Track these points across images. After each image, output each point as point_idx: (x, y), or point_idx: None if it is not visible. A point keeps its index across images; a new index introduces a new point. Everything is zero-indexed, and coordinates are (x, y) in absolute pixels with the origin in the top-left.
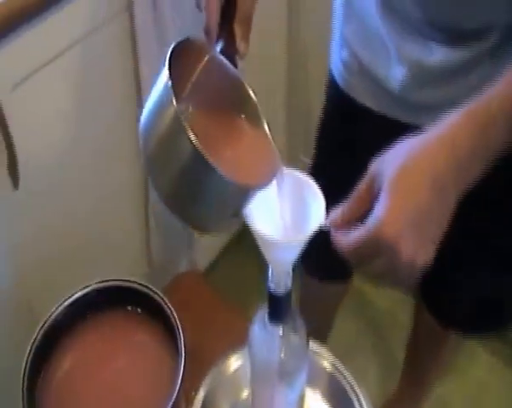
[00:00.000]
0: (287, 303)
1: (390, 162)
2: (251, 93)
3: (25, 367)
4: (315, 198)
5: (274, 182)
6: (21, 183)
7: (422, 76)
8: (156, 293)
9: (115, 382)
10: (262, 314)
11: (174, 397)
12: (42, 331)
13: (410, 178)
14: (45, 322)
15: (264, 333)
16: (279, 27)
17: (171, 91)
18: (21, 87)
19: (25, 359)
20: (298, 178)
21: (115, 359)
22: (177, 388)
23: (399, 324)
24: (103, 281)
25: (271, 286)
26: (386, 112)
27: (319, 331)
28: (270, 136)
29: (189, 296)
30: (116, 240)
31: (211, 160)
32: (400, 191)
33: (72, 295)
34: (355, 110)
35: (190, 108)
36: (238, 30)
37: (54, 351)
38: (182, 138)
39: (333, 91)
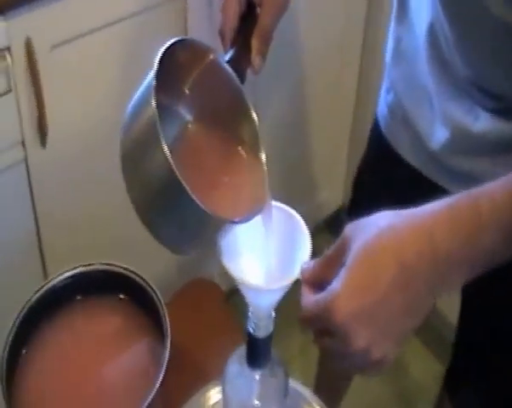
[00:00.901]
0: (266, 347)
1: (361, 233)
2: (253, 116)
3: (6, 346)
4: (303, 238)
5: (259, 219)
6: (49, 142)
7: (464, 142)
8: (142, 279)
9: (97, 368)
10: (240, 353)
11: (158, 385)
12: (25, 310)
13: (374, 262)
14: (28, 301)
15: (240, 374)
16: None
17: (153, 91)
18: (60, 49)
19: (5, 338)
20: (288, 214)
21: (98, 346)
22: (160, 375)
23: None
24: (89, 265)
25: (250, 328)
26: (423, 170)
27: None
28: (264, 167)
29: (195, 304)
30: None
31: (181, 178)
32: (360, 273)
33: (59, 276)
34: (394, 159)
35: (189, 117)
36: (255, 43)
37: (36, 331)
38: (155, 146)
39: (376, 134)
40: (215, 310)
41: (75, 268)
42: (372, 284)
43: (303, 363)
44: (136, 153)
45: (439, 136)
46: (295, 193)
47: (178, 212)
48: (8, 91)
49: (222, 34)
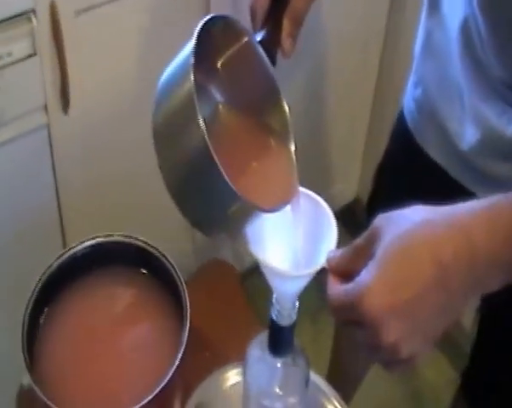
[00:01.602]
0: (289, 335)
1: (394, 225)
2: (285, 105)
3: (27, 309)
4: (330, 227)
5: (288, 209)
6: (71, 109)
7: (495, 145)
8: (163, 255)
9: (113, 340)
10: (262, 338)
11: (176, 363)
12: (46, 275)
13: (408, 257)
14: (50, 267)
15: (261, 360)
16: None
17: (191, 68)
18: (85, 15)
19: (26, 301)
20: (315, 202)
21: (115, 318)
22: (179, 354)
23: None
24: (109, 235)
25: (274, 315)
26: (449, 169)
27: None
28: (294, 158)
29: (212, 285)
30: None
31: (216, 157)
32: (393, 266)
33: (80, 244)
34: (418, 155)
35: (220, 98)
36: (286, 24)
37: (55, 298)
38: (192, 122)
39: (401, 129)
40: (231, 292)
41: (95, 237)
42: (406, 280)
43: (313, 353)
44: (171, 128)
45: (468, 136)
46: (309, 181)
47: (210, 192)
48: (33, 54)
49: (252, 13)
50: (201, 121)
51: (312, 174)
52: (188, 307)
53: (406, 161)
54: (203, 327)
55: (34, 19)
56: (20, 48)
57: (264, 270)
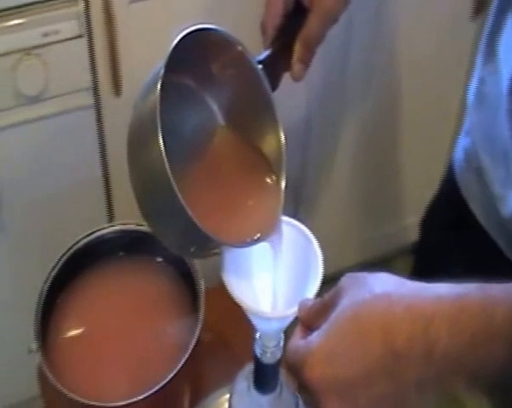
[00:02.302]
0: (273, 373)
1: (353, 291)
2: (282, 137)
3: (47, 280)
4: (315, 258)
5: (268, 245)
6: (123, 92)
7: None
8: None
9: (128, 326)
10: (249, 369)
11: (187, 355)
12: (71, 251)
13: (359, 331)
14: (76, 243)
15: (248, 393)
16: None
17: (159, 79)
18: (139, 4)
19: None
20: (298, 231)
21: (132, 305)
22: (190, 346)
23: None
24: (141, 225)
25: (258, 352)
26: (491, 232)
27: None
28: (282, 195)
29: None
30: None
31: (173, 180)
32: (341, 336)
33: (111, 226)
34: (463, 209)
35: (215, 108)
36: (298, 48)
37: (78, 276)
38: (152, 138)
39: (448, 177)
40: None
41: (126, 223)
42: (351, 355)
43: None
44: (136, 139)
45: (511, 203)
46: (382, 211)
47: (168, 216)
48: (80, 36)
49: (263, 30)
50: (160, 138)
51: (385, 202)
52: (203, 296)
53: (451, 213)
54: (222, 327)
55: (81, 2)
56: (67, 28)
57: (244, 309)
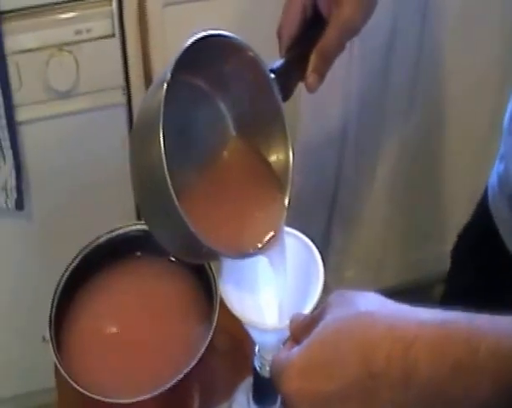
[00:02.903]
0: (272, 386)
1: (338, 307)
2: (290, 153)
3: (65, 272)
4: (316, 270)
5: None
6: None
7: None
8: None
9: (141, 325)
10: (249, 383)
11: (199, 356)
12: (92, 246)
13: (337, 346)
14: (97, 238)
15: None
16: None
17: (165, 84)
18: (173, 8)
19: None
20: (301, 242)
21: (147, 303)
22: (202, 348)
23: None
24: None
25: (257, 366)
26: None
27: None
28: (284, 211)
29: None
30: None
31: (171, 185)
32: (319, 350)
33: (135, 224)
34: (493, 237)
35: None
36: (314, 59)
37: (95, 271)
38: (154, 136)
39: (483, 203)
40: None
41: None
42: (328, 371)
43: None
44: (137, 137)
45: None
46: (422, 234)
47: (163, 218)
48: (112, 35)
49: (279, 38)
50: (161, 140)
51: (428, 225)
52: (218, 299)
53: (482, 241)
54: (236, 331)
55: (114, 2)
56: (100, 27)
57: (242, 322)
